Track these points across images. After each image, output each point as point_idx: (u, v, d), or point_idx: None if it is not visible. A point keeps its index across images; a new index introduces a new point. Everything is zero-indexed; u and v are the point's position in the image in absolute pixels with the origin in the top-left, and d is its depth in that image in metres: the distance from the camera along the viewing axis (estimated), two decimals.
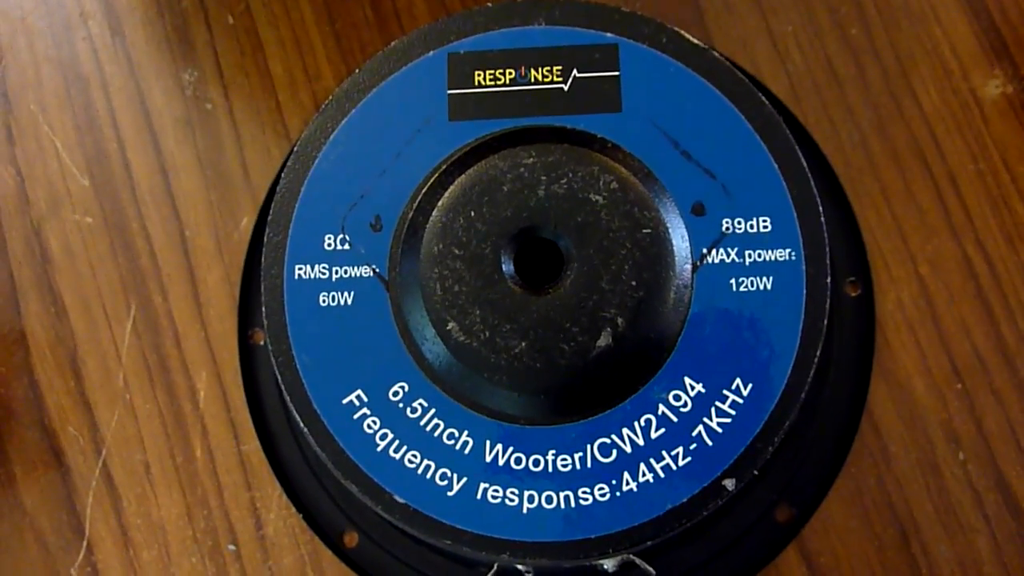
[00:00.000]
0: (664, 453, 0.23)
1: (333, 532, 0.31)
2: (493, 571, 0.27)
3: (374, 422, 0.24)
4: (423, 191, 0.24)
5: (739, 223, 0.23)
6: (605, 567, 0.27)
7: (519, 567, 0.26)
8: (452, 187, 0.24)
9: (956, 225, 0.33)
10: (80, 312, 0.34)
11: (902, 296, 0.32)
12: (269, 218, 0.25)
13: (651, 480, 0.23)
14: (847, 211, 0.32)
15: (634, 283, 0.22)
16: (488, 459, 0.23)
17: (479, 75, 0.25)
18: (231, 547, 0.32)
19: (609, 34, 0.25)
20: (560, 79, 0.24)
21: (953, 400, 0.31)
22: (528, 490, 0.23)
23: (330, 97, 0.25)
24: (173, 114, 0.35)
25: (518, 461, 0.23)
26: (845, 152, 0.33)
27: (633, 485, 0.23)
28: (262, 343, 0.33)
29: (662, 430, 0.23)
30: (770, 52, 0.34)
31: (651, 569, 0.26)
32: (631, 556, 0.25)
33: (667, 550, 0.29)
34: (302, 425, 0.23)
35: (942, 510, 0.31)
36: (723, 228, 0.23)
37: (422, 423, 0.23)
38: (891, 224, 0.33)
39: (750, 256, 0.23)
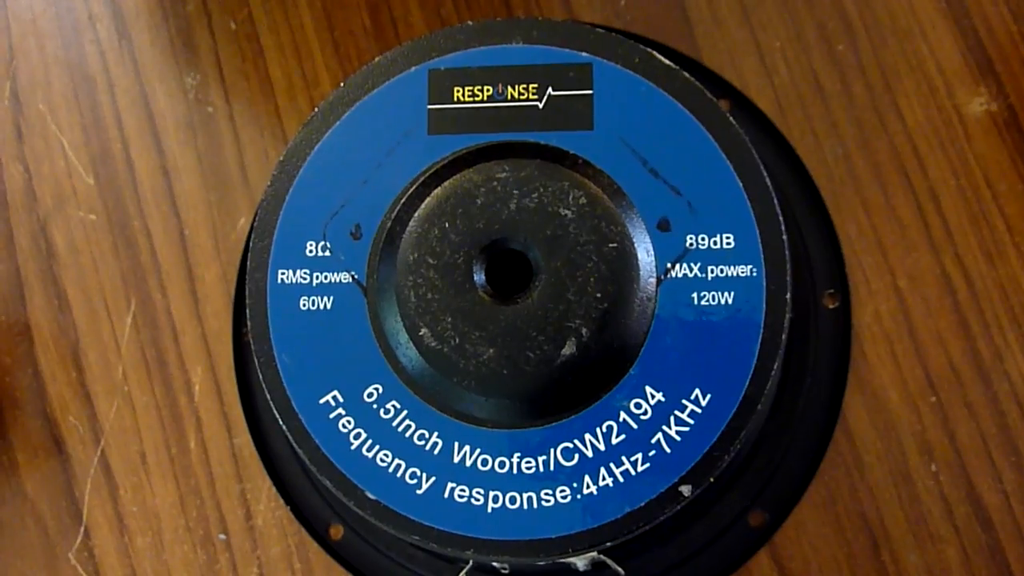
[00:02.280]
0: (624, 458, 0.24)
1: (320, 525, 0.32)
2: (470, 567, 0.28)
3: (349, 421, 0.25)
4: (401, 202, 0.25)
5: (703, 239, 0.24)
6: (577, 566, 0.28)
7: (495, 564, 0.27)
8: (429, 199, 0.25)
9: (936, 240, 0.33)
10: (82, 306, 0.35)
11: (880, 309, 0.33)
12: (255, 224, 0.26)
13: (611, 484, 0.23)
14: (828, 224, 0.33)
15: (599, 295, 0.23)
16: (456, 460, 0.24)
17: (458, 91, 0.26)
18: (222, 536, 0.33)
19: (584, 53, 0.25)
20: (535, 97, 0.25)
21: (927, 412, 0.32)
22: (493, 490, 0.24)
23: (315, 109, 0.26)
24: (176, 116, 0.36)
25: (484, 462, 0.24)
26: (828, 166, 0.34)
27: (593, 488, 0.23)
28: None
29: (623, 436, 0.24)
30: (757, 66, 0.35)
31: (620, 570, 0.27)
32: (602, 556, 0.26)
33: (640, 551, 0.30)
34: (281, 422, 0.25)
35: (913, 520, 0.31)
36: (687, 244, 0.24)
37: (394, 424, 0.24)
38: (871, 238, 0.33)
39: (712, 271, 0.24)
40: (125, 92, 0.37)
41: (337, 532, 0.32)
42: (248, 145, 0.36)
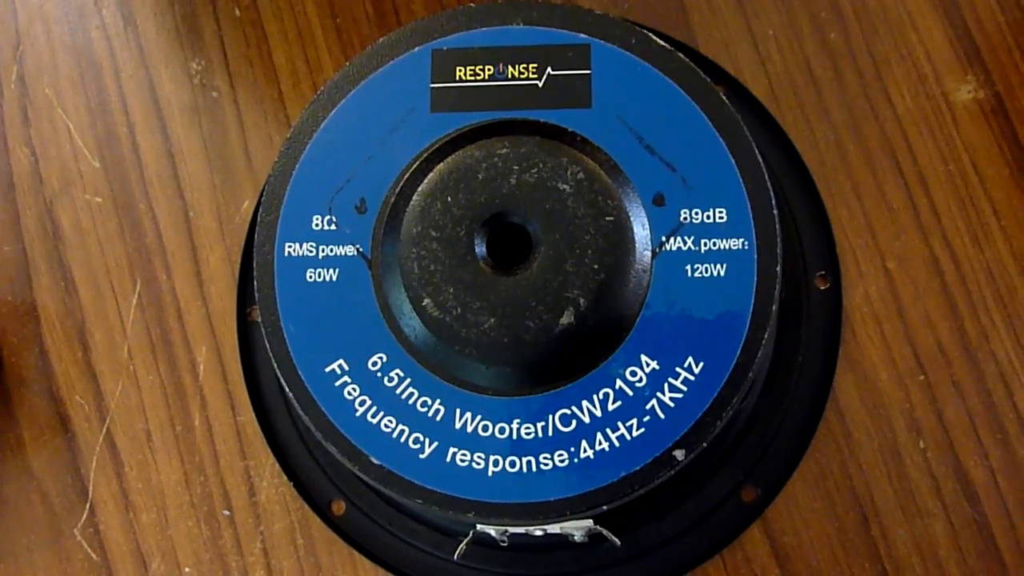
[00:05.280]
0: (620, 424, 0.24)
1: (322, 501, 0.33)
2: (469, 538, 0.29)
3: (354, 389, 0.25)
4: (405, 177, 0.26)
5: (696, 214, 0.25)
6: (574, 538, 0.29)
7: (494, 535, 0.28)
8: (431, 174, 0.25)
9: (924, 224, 0.34)
10: (88, 287, 0.35)
11: (869, 290, 0.33)
12: (262, 198, 0.26)
13: (607, 449, 0.24)
14: (819, 207, 0.34)
15: (596, 266, 0.24)
16: (458, 426, 0.25)
17: (460, 70, 0.26)
18: (225, 512, 0.33)
19: (582, 35, 0.26)
20: (535, 76, 0.26)
21: (915, 391, 0.32)
22: (493, 455, 0.24)
23: (322, 88, 0.27)
24: (181, 101, 0.37)
25: (485, 428, 0.25)
26: (820, 151, 0.34)
27: (590, 453, 0.24)
28: (259, 320, 0.34)
29: (619, 403, 0.24)
30: (751, 54, 0.35)
31: (616, 540, 0.28)
32: (598, 527, 0.27)
33: (636, 524, 0.31)
34: (288, 391, 0.25)
35: (902, 495, 0.32)
36: (681, 218, 0.25)
37: (398, 391, 0.25)
38: (862, 221, 0.34)
39: (706, 244, 0.25)
40: (131, 77, 0.37)
41: (339, 508, 0.33)
42: (252, 129, 0.36)
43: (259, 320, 0.34)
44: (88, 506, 0.34)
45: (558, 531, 0.27)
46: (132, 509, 0.34)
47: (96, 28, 0.38)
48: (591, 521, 0.26)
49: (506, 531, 0.27)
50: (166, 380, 0.34)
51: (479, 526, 0.26)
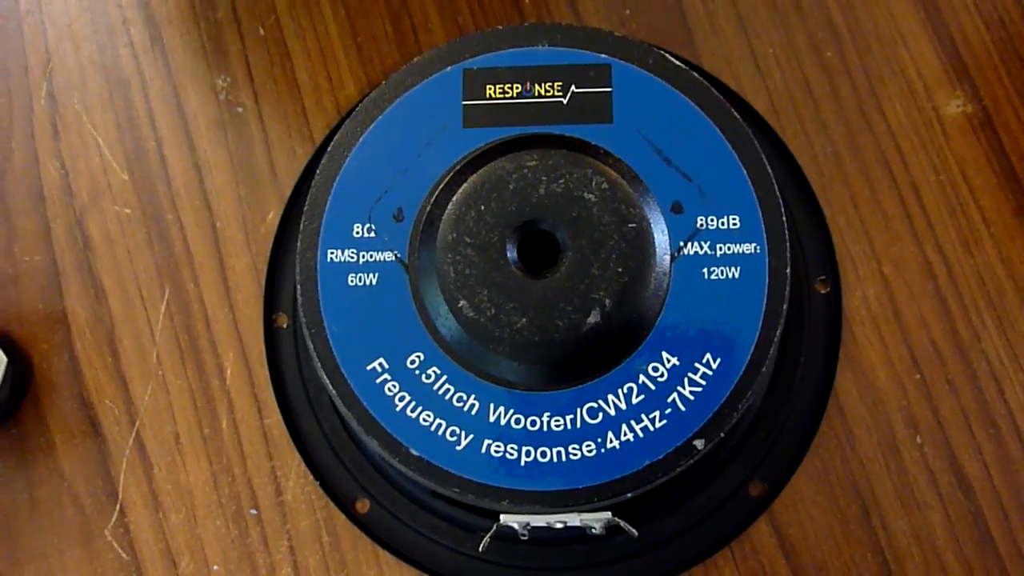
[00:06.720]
0: (643, 416, 0.26)
1: (347, 499, 0.34)
2: (492, 533, 0.30)
3: (394, 386, 0.27)
4: (440, 187, 0.27)
5: (712, 220, 0.27)
6: (593, 530, 0.30)
7: (516, 527, 0.29)
8: (465, 184, 0.27)
9: (918, 230, 0.35)
10: (118, 295, 0.36)
11: (867, 294, 0.35)
12: (305, 208, 0.28)
13: (632, 439, 0.26)
14: (819, 216, 0.35)
15: (620, 270, 0.26)
16: (491, 419, 0.26)
17: (490, 88, 0.28)
18: (253, 511, 0.34)
19: (603, 55, 0.28)
20: (560, 93, 0.28)
21: (912, 389, 0.34)
22: (525, 446, 0.26)
23: (360, 104, 0.29)
24: (207, 116, 0.37)
25: (517, 421, 0.26)
26: (818, 162, 0.36)
27: (616, 443, 0.26)
28: (285, 326, 0.35)
29: (642, 396, 0.26)
30: (752, 71, 0.37)
31: (634, 531, 0.29)
32: (616, 519, 0.28)
33: (649, 519, 0.32)
34: (331, 388, 0.27)
35: (900, 488, 0.33)
36: (698, 224, 0.27)
37: (435, 387, 0.27)
38: (859, 228, 0.35)
39: (721, 249, 0.27)
40: (158, 93, 0.38)
41: (363, 506, 0.33)
42: (276, 143, 0.37)
43: (285, 326, 0.35)
44: (118, 507, 0.34)
45: (578, 523, 0.28)
46: (161, 509, 0.34)
47: (124, 46, 0.39)
48: (609, 513, 0.28)
49: (528, 524, 0.28)
50: (194, 384, 0.35)
51: (502, 518, 0.28)
